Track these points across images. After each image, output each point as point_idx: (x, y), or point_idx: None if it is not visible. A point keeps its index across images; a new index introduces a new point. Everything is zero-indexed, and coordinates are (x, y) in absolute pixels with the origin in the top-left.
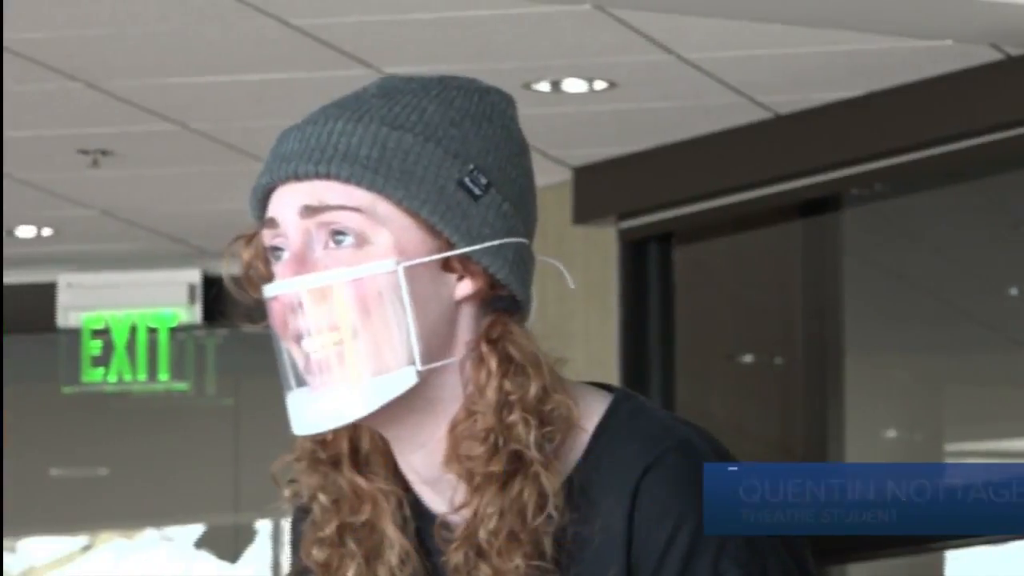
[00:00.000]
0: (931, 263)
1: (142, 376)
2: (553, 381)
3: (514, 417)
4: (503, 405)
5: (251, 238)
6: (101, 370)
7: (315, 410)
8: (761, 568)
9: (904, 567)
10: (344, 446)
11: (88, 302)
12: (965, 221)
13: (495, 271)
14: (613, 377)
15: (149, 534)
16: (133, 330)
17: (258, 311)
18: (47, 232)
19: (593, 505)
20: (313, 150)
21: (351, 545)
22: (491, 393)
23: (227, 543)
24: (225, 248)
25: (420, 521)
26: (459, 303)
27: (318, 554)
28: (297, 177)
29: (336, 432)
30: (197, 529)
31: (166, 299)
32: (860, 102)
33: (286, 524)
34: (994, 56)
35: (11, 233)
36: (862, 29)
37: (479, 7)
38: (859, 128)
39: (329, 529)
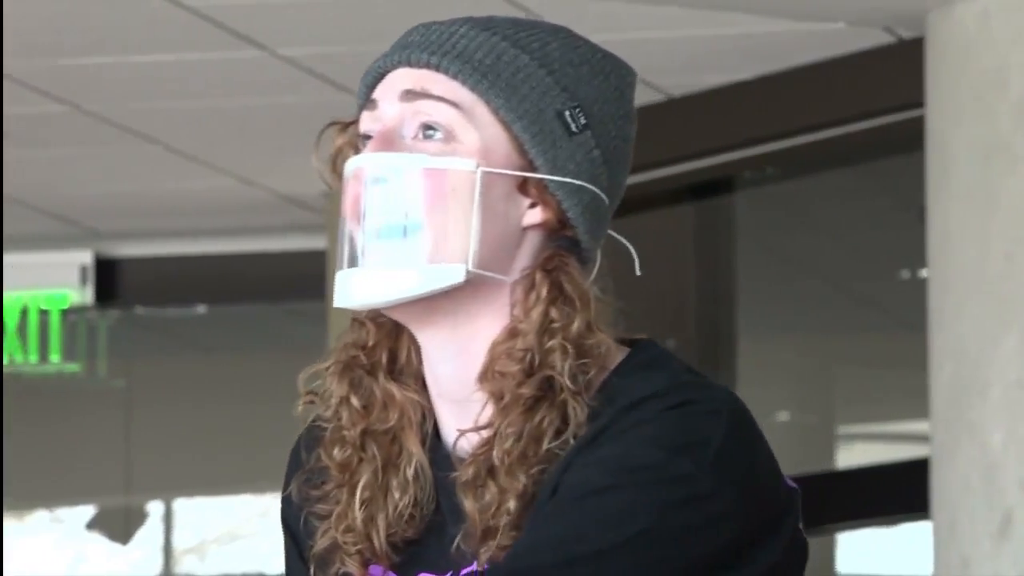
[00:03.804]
0: (822, 246)
1: (33, 358)
2: (598, 322)
3: (553, 343)
4: (545, 330)
5: (347, 125)
6: None
7: (361, 286)
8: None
9: None
10: (383, 355)
11: None
12: (856, 204)
13: (568, 208)
14: None
15: (40, 516)
16: (24, 312)
17: (151, 293)
18: None
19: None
20: (432, 43)
21: (371, 450)
22: (536, 316)
23: (118, 525)
24: (319, 132)
25: (435, 440)
26: (525, 230)
27: (338, 454)
28: (410, 64)
29: (379, 340)
30: (88, 511)
31: (58, 280)
32: (752, 85)
33: (177, 505)
34: (886, 39)
35: None
36: (754, 12)
37: None
38: (751, 111)
39: (354, 432)
